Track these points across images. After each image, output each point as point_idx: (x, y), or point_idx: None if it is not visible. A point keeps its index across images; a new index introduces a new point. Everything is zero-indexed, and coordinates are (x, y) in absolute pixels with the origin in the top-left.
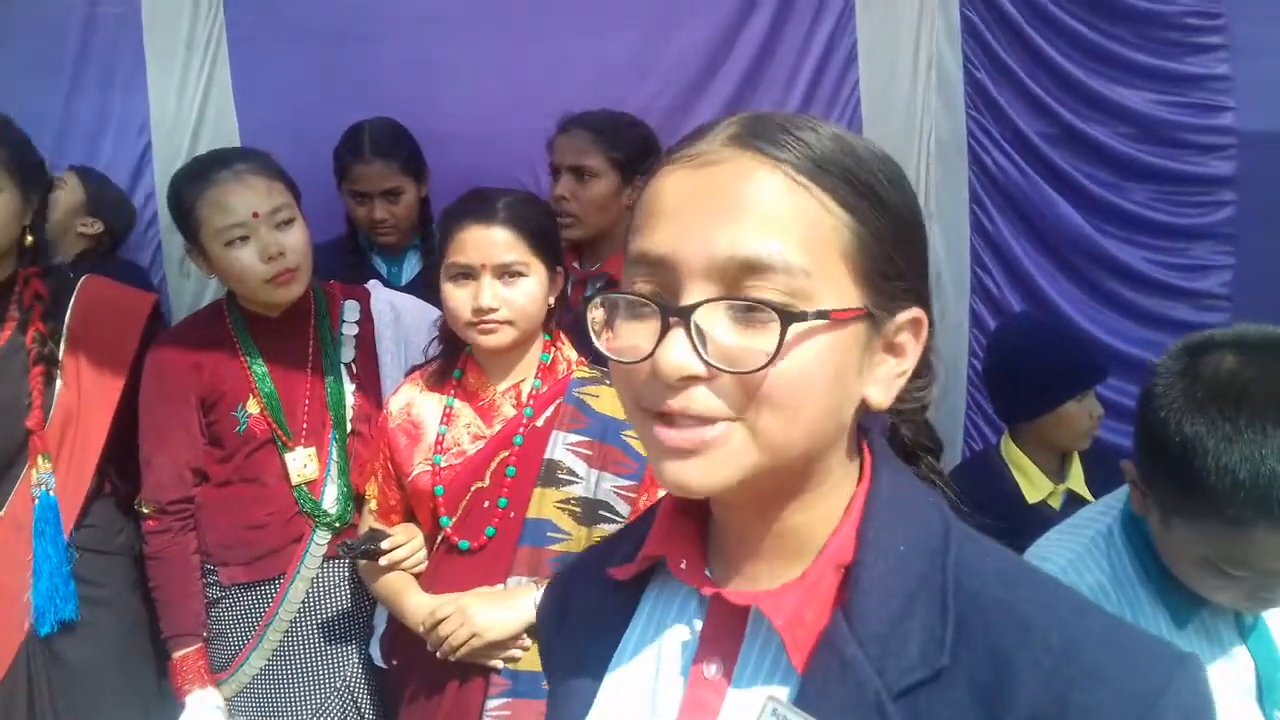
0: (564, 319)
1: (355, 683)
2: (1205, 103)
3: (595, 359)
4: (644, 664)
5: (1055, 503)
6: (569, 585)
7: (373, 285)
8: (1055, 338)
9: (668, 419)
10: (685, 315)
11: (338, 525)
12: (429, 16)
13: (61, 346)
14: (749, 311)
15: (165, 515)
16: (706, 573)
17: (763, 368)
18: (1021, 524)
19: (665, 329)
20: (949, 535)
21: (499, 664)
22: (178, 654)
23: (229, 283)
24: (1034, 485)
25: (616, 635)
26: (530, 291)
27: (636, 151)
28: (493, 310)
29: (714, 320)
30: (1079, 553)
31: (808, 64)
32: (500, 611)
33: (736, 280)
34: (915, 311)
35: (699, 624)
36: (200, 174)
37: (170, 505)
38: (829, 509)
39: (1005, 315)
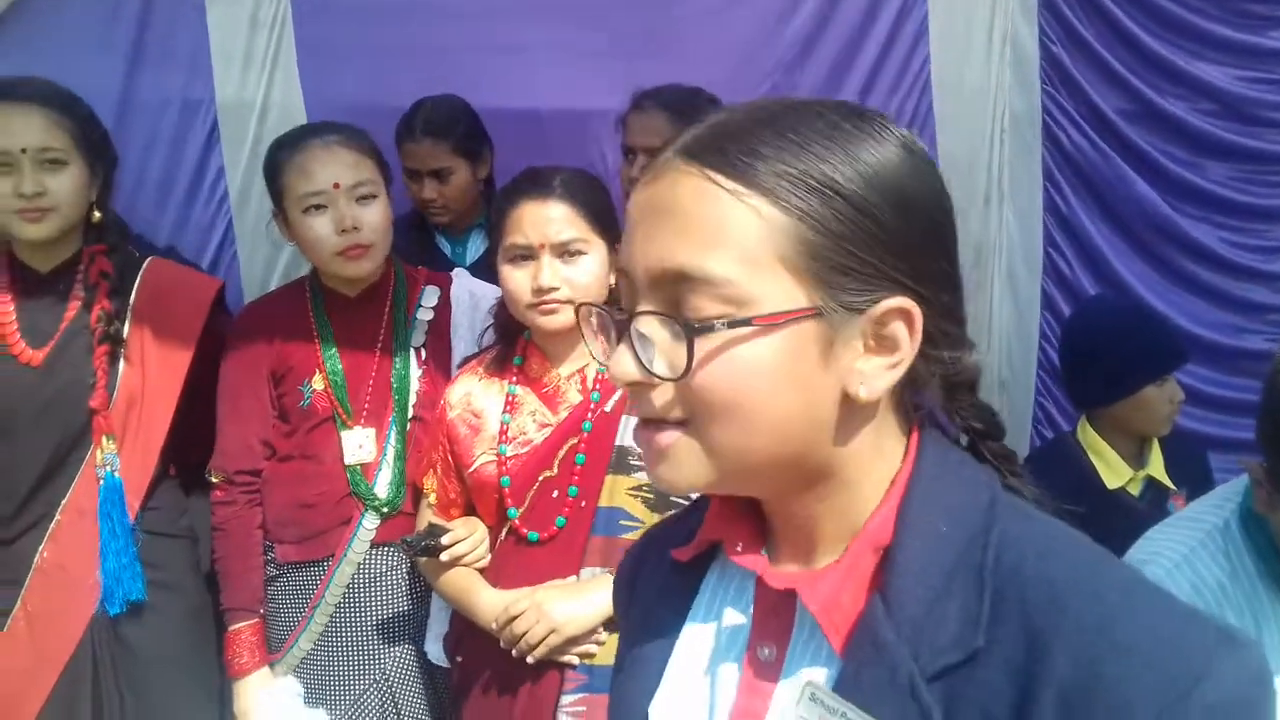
0: None
1: (396, 676)
2: None
3: None
4: (704, 646)
5: (1135, 489)
6: (638, 564)
7: (457, 273)
8: (1135, 320)
9: (643, 422)
10: (625, 326)
11: (386, 510)
12: None
13: (126, 326)
14: (670, 324)
15: (232, 486)
16: (763, 553)
17: (681, 376)
18: (1101, 510)
19: (619, 338)
20: (993, 510)
21: (574, 659)
22: (233, 627)
23: (304, 251)
24: (1113, 471)
25: (680, 617)
26: (591, 269)
27: None
28: (554, 290)
29: (657, 328)
30: (1193, 547)
31: (870, 41)
32: (576, 605)
33: (674, 293)
34: (897, 301)
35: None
36: (293, 141)
37: (237, 475)
38: (864, 492)
39: (1078, 297)
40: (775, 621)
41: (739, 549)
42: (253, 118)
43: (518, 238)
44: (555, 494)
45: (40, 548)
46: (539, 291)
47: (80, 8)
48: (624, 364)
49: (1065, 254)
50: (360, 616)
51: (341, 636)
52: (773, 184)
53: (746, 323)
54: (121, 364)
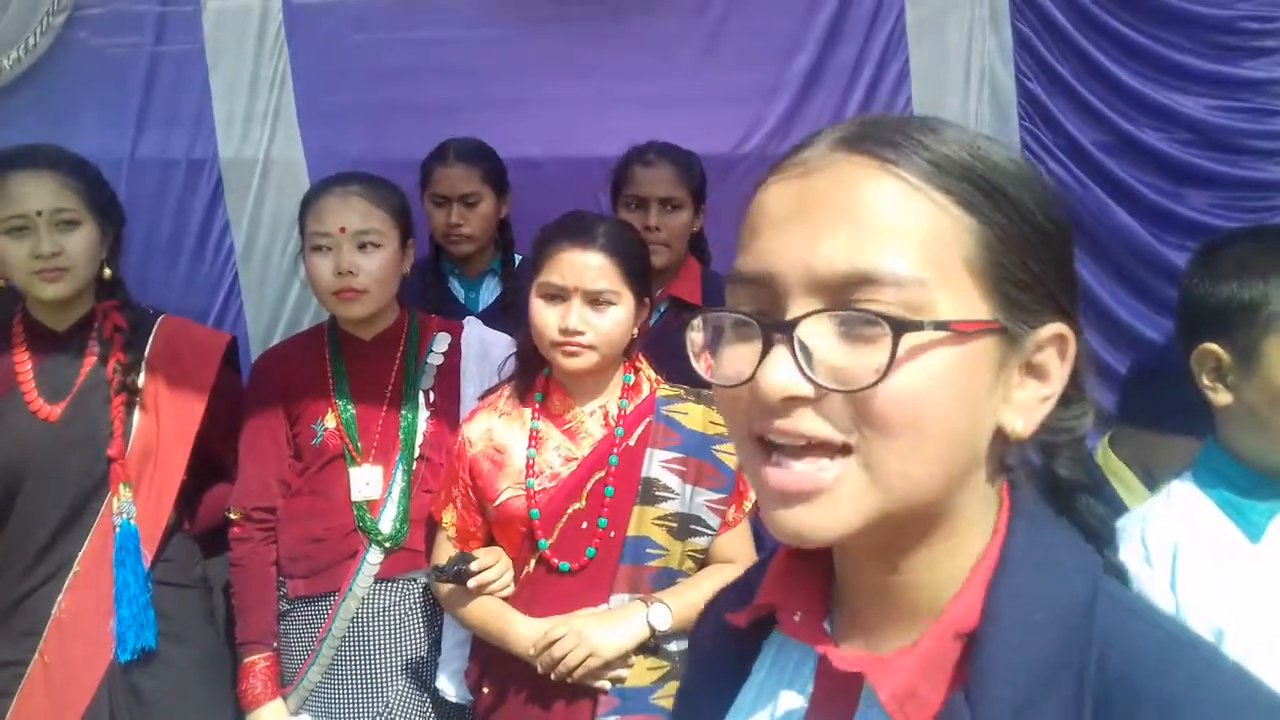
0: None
1: (399, 710)
2: (1264, 107)
3: (689, 381)
4: None
5: None
6: (699, 627)
7: (468, 321)
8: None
9: (776, 458)
10: (788, 330)
11: (389, 546)
12: (493, 53)
13: (141, 378)
14: (858, 325)
15: (249, 523)
16: (826, 626)
17: (874, 384)
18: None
19: (767, 347)
20: (1096, 602)
21: (605, 684)
22: (247, 660)
23: (311, 287)
24: (1132, 494)
25: (734, 687)
26: (618, 319)
27: (702, 181)
28: (579, 333)
29: (820, 335)
30: (1135, 514)
31: (860, 85)
32: (612, 630)
33: (843, 294)
34: (1058, 326)
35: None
36: (323, 185)
37: (254, 512)
38: (957, 564)
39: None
40: (835, 707)
41: (797, 619)
42: (255, 174)
43: (554, 277)
44: (584, 525)
45: (58, 599)
46: (565, 332)
47: (89, 73)
48: (783, 372)
49: None
50: (364, 650)
51: (347, 669)
52: (951, 181)
53: (945, 326)
54: (137, 414)
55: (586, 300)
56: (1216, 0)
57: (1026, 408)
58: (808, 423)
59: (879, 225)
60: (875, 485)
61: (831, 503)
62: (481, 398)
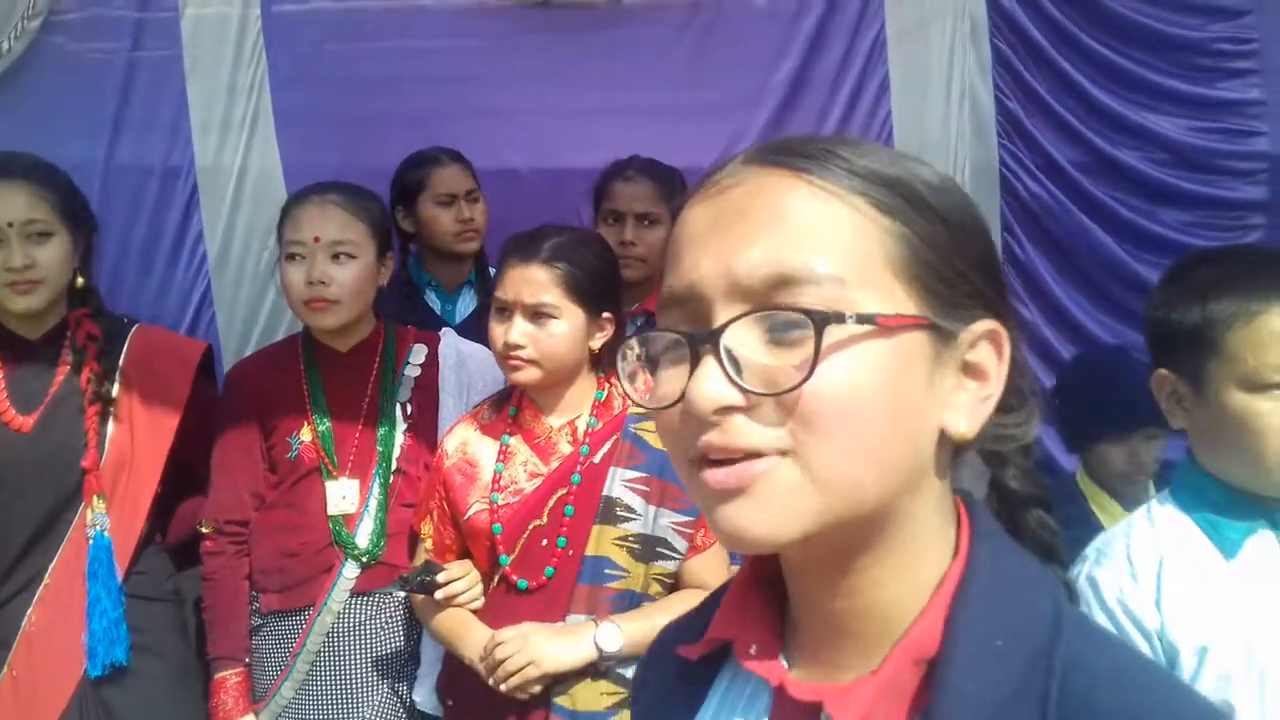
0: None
1: None
2: (1238, 128)
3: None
4: None
5: None
6: (647, 661)
7: (445, 332)
8: (1100, 378)
9: (714, 460)
10: (714, 340)
11: (366, 560)
12: (475, 63)
13: (115, 388)
14: (782, 325)
15: (222, 536)
16: (781, 659)
17: (801, 382)
18: None
19: (695, 360)
20: (1059, 626)
21: (535, 689)
22: (218, 675)
23: (284, 296)
24: (1108, 514)
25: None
26: (559, 333)
27: (683, 195)
28: (519, 347)
29: (746, 342)
30: (1118, 531)
31: (840, 98)
32: (559, 644)
33: (765, 298)
34: (990, 323)
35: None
36: (303, 193)
37: (227, 526)
38: (914, 585)
39: (1037, 343)
40: None
41: (753, 651)
42: (230, 183)
43: (500, 293)
44: (544, 543)
45: (28, 611)
46: (506, 346)
47: (64, 79)
48: (713, 385)
49: (1025, 301)
50: (340, 665)
51: (322, 684)
52: (866, 187)
53: (871, 319)
54: (111, 424)
55: (526, 314)
56: (1191, 23)
57: (968, 408)
58: (743, 434)
59: (796, 228)
60: (813, 485)
61: (771, 497)
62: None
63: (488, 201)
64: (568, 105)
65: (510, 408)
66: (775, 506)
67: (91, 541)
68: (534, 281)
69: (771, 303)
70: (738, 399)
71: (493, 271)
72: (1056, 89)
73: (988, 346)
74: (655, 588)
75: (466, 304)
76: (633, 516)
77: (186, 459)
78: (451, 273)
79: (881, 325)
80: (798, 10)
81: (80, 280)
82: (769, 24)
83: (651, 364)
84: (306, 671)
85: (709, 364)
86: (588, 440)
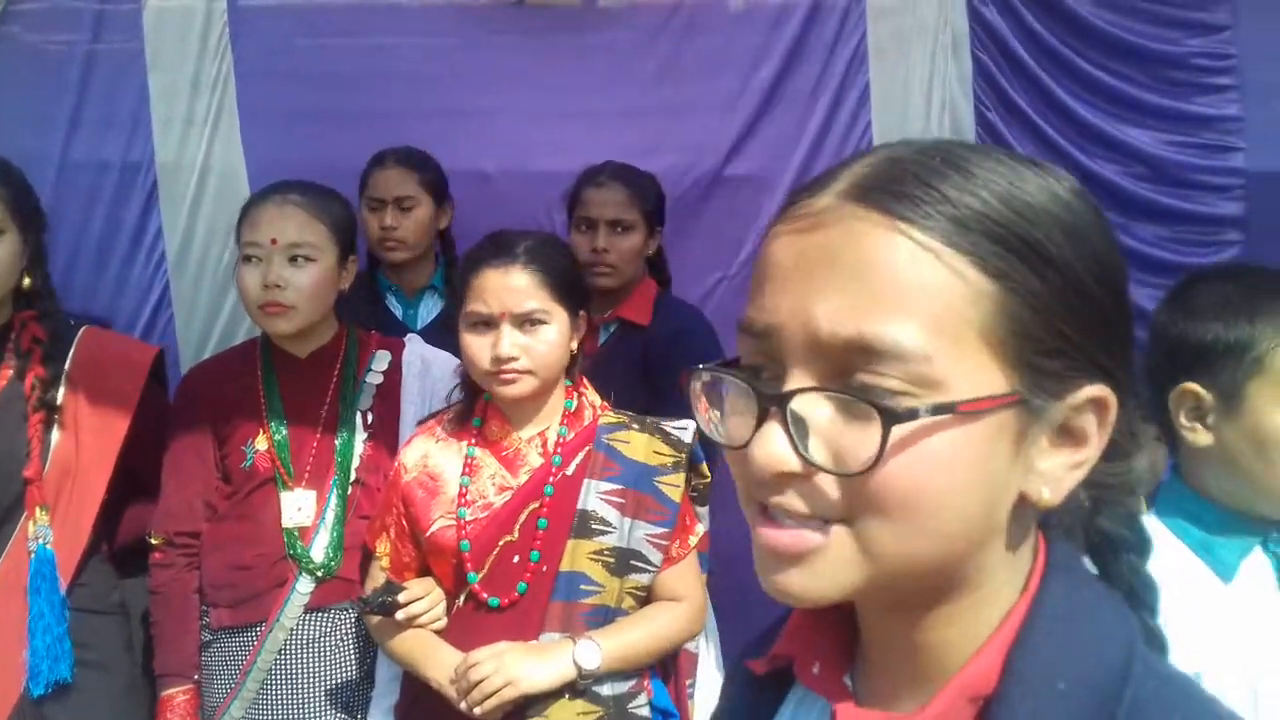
0: (582, 364)
1: None
2: (1215, 143)
3: (634, 408)
4: None
5: None
6: (731, 672)
7: (410, 338)
8: None
9: (773, 514)
10: (782, 404)
11: (321, 575)
12: (446, 62)
13: (61, 393)
14: (853, 404)
15: (171, 548)
16: (846, 680)
17: (864, 471)
18: None
19: (763, 416)
20: (1129, 670)
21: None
22: (166, 692)
23: (241, 298)
24: None
25: None
26: (551, 339)
27: (658, 202)
28: (513, 359)
29: (816, 407)
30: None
31: (820, 107)
32: (537, 664)
33: (844, 363)
34: (1096, 390)
35: None
36: (262, 193)
37: (177, 537)
38: (975, 625)
39: None
40: None
41: (815, 671)
42: (192, 180)
43: (479, 306)
44: (516, 559)
45: None
46: (498, 360)
47: (22, 70)
48: (777, 448)
49: None
50: (292, 684)
51: (273, 704)
52: (974, 242)
53: (950, 409)
54: (55, 432)
55: (516, 323)
56: (1171, 37)
57: (1055, 477)
58: (800, 499)
59: (884, 292)
60: (867, 558)
61: (821, 566)
62: (422, 422)
63: (457, 203)
64: (540, 107)
65: (474, 419)
66: (826, 578)
67: (34, 555)
68: (517, 288)
69: (851, 367)
70: (797, 467)
71: None
72: (1037, 102)
73: (1090, 413)
74: (628, 601)
75: (429, 309)
76: (608, 530)
77: (135, 466)
78: (412, 277)
79: (962, 413)
80: (777, 17)
81: (27, 281)
82: (747, 30)
83: (719, 390)
84: (257, 690)
85: (774, 427)
86: (559, 451)
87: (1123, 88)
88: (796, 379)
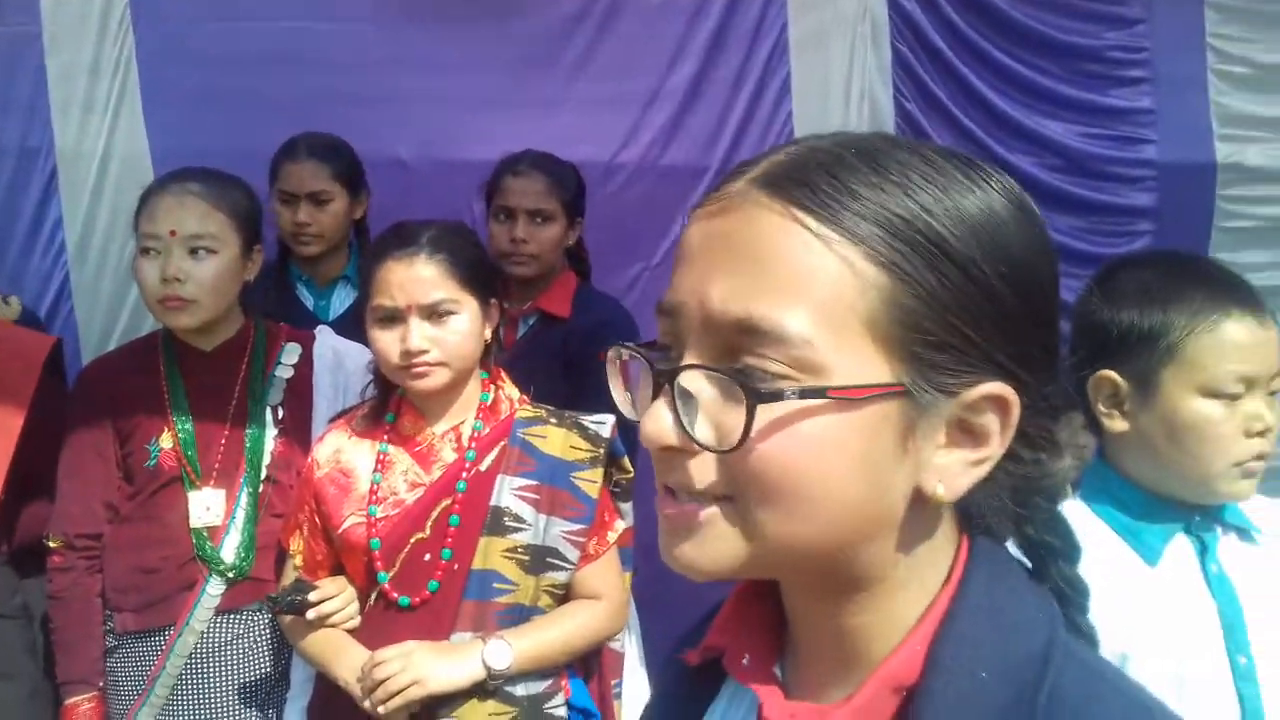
0: (500, 356)
1: None
2: (1128, 135)
3: (552, 401)
4: None
5: None
6: (663, 665)
7: (320, 330)
8: None
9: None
10: (671, 379)
11: (232, 576)
12: (361, 47)
13: None
14: (730, 384)
15: (71, 551)
16: (776, 670)
17: (734, 449)
18: None
19: (656, 391)
20: (1050, 658)
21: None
22: (69, 701)
23: (140, 292)
24: None
25: None
26: (462, 329)
27: (578, 193)
28: (423, 352)
29: (704, 385)
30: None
31: (743, 96)
32: (445, 663)
33: (733, 343)
34: (993, 387)
35: None
36: (160, 182)
37: (77, 540)
38: (898, 613)
39: None
40: None
41: (745, 662)
42: (93, 167)
43: (384, 299)
44: (427, 557)
45: None
46: (408, 354)
47: None
48: (660, 423)
49: None
50: (204, 688)
51: (184, 709)
52: (869, 232)
53: (821, 393)
54: None
55: (424, 315)
56: (1086, 30)
57: (951, 473)
58: (690, 476)
59: (773, 276)
60: (748, 535)
61: (704, 542)
62: (335, 418)
63: (373, 192)
64: (459, 94)
65: (388, 414)
66: (711, 550)
67: None
68: (423, 279)
69: (738, 351)
70: (678, 442)
71: None
72: (955, 93)
73: (990, 411)
74: (545, 600)
75: (342, 299)
76: (522, 526)
77: (31, 464)
78: (324, 267)
79: (836, 398)
80: (698, 7)
81: None
82: (668, 20)
83: (630, 374)
84: (167, 696)
85: (661, 404)
86: (473, 446)
87: (1039, 80)
88: (688, 357)
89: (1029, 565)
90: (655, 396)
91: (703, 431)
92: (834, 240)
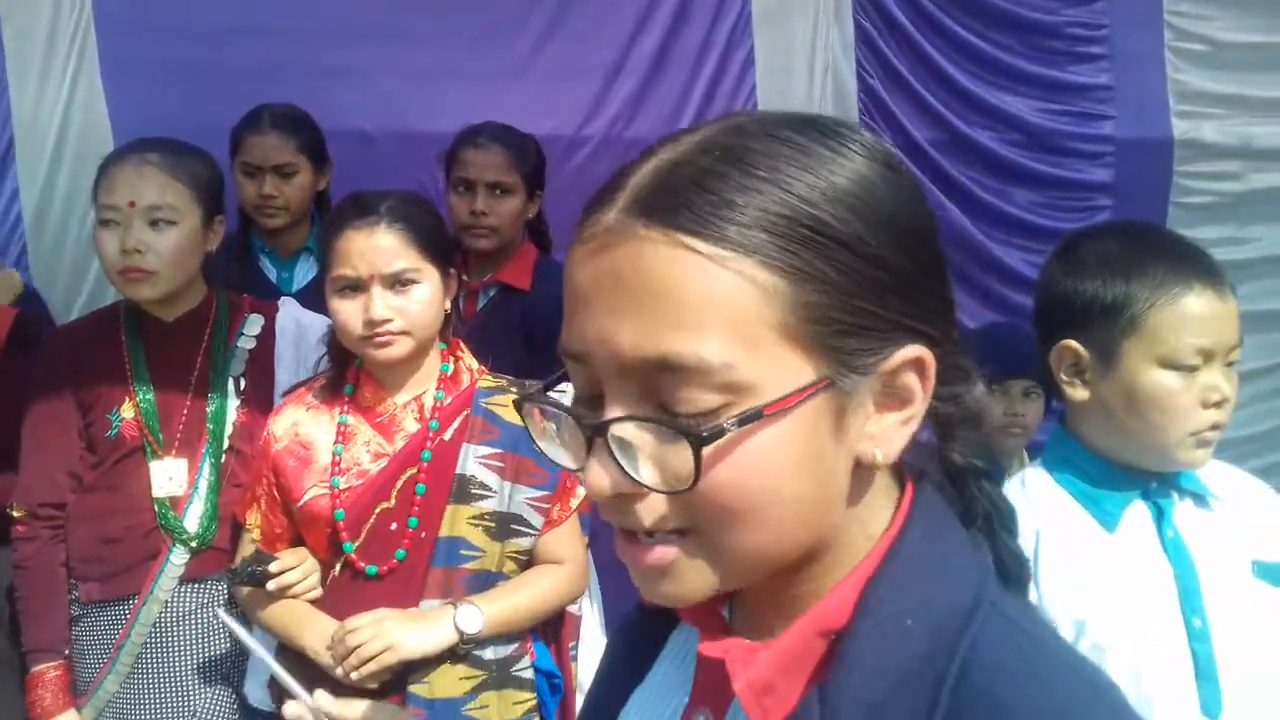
0: (460, 327)
1: (211, 718)
2: (1087, 111)
3: (513, 371)
4: (653, 703)
5: None
6: (627, 612)
7: (283, 301)
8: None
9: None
10: (603, 432)
11: (196, 545)
12: (324, 17)
13: None
14: (664, 429)
15: (35, 521)
16: (724, 613)
17: (686, 490)
18: None
19: (590, 446)
20: (975, 612)
21: (417, 690)
22: (36, 668)
23: (101, 262)
24: None
25: (644, 667)
26: (424, 298)
27: (538, 165)
28: (386, 321)
29: (639, 431)
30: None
31: (705, 72)
32: (418, 629)
33: (655, 383)
34: (909, 351)
35: None
36: (119, 152)
37: (41, 509)
38: (843, 567)
39: None
40: (716, 688)
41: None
42: (50, 137)
43: (345, 269)
44: (394, 526)
45: None
46: (370, 324)
47: None
48: (604, 478)
49: None
50: (168, 657)
51: (149, 678)
52: (758, 240)
53: (757, 415)
54: None
55: (386, 285)
56: (1046, 6)
57: (885, 438)
58: (643, 516)
59: (676, 310)
60: (717, 562)
61: (683, 573)
62: (289, 391)
63: (336, 164)
64: (421, 66)
65: (346, 385)
66: (688, 584)
67: None
68: (384, 248)
69: (661, 390)
70: (628, 490)
71: None
72: (917, 68)
73: (910, 372)
74: (510, 565)
75: (305, 271)
76: (488, 494)
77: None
78: (287, 239)
79: (772, 414)
80: None
81: None
82: None
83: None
84: (131, 664)
85: (601, 457)
86: (436, 415)
87: (1000, 56)
88: (612, 408)
89: (957, 494)
90: (589, 451)
91: (648, 475)
92: (727, 258)
